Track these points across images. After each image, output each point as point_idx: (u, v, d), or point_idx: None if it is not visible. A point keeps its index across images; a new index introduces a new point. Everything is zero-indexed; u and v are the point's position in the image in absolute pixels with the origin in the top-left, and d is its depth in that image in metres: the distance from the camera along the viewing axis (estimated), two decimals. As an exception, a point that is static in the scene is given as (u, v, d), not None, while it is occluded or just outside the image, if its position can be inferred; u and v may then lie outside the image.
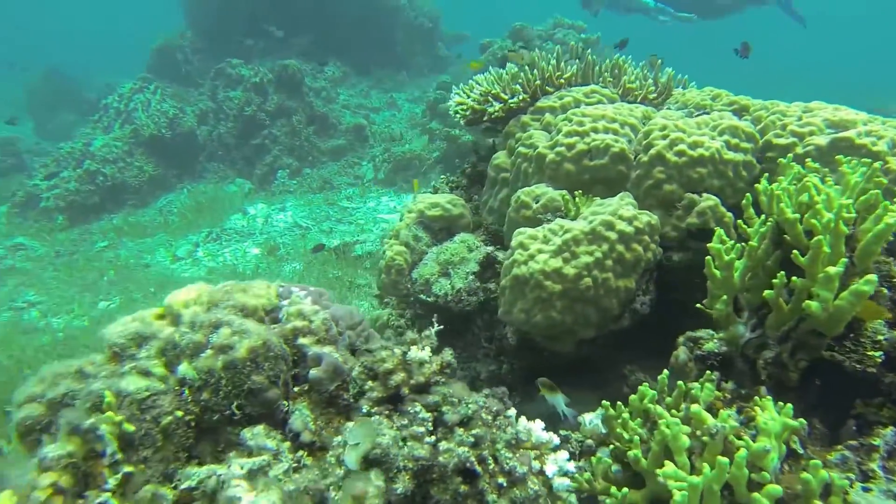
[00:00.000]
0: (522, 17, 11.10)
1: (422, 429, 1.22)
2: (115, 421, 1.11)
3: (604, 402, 1.70)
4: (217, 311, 1.38)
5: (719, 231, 1.78)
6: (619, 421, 1.60)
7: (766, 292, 1.57)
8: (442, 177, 3.52)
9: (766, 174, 2.00)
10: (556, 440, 1.54)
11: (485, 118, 2.97)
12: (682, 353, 2.09)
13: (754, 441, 1.28)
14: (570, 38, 9.76)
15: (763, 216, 1.70)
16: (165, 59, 12.64)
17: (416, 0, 13.94)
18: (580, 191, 2.37)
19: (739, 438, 1.31)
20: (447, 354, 1.38)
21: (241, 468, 1.08)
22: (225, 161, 9.65)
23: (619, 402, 1.68)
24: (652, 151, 2.30)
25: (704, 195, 2.24)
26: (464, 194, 3.04)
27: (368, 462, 1.13)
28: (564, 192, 2.38)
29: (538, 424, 1.52)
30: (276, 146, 9.11)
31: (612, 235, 2.13)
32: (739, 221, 1.84)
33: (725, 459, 1.19)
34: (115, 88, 13.69)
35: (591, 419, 1.89)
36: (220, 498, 1.02)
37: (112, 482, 1.00)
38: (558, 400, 1.84)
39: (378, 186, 8.84)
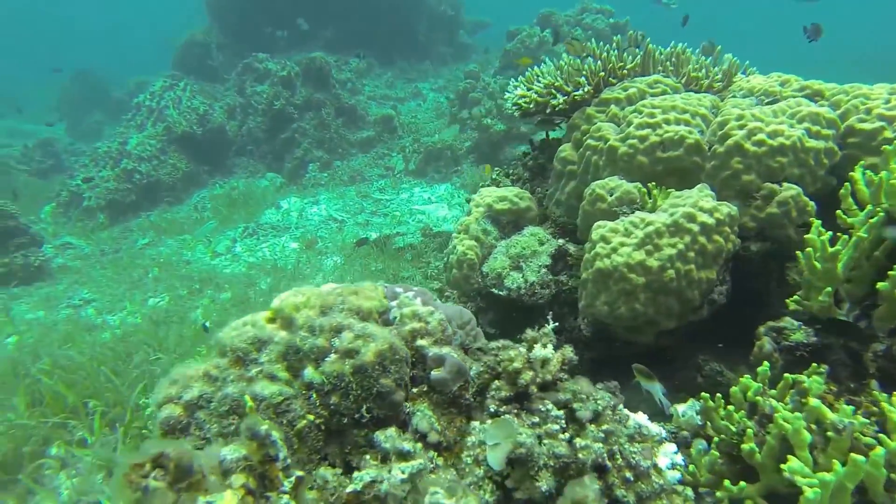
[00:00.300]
0: (547, 2, 10.97)
1: (557, 426, 1.24)
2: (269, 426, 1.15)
3: (703, 393, 1.70)
4: (334, 314, 1.42)
5: (816, 223, 1.76)
6: (721, 413, 1.61)
7: (880, 284, 1.55)
8: (497, 169, 3.52)
9: (862, 162, 1.96)
10: (664, 432, 1.55)
11: (547, 110, 2.95)
12: (766, 343, 2.08)
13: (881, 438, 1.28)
14: (598, 23, 9.65)
15: (870, 206, 1.68)
16: (190, 55, 12.78)
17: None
18: (654, 182, 2.35)
19: (864, 435, 1.31)
20: (567, 351, 1.40)
21: (403, 472, 1.11)
22: (255, 156, 9.75)
23: (717, 394, 1.68)
24: (729, 142, 2.27)
25: (785, 185, 2.21)
26: (527, 187, 3.04)
27: (511, 462, 1.16)
28: (639, 184, 2.37)
29: (645, 417, 1.53)
30: (306, 139, 9.17)
31: (694, 227, 2.12)
32: (839, 212, 1.82)
33: (861, 457, 1.19)
34: (144, 87, 13.88)
35: (684, 410, 1.90)
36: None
37: (287, 485, 1.04)
38: (656, 388, 1.85)
39: (409, 177, 8.85)
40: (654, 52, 3.06)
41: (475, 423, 1.33)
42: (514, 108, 3.25)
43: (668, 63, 3.04)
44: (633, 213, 2.30)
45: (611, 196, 2.34)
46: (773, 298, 2.42)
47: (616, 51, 2.95)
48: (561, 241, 2.63)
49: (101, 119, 14.93)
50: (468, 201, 3.34)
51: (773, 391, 1.60)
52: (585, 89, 2.81)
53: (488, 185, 3.37)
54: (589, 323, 2.40)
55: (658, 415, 2.01)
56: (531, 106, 2.96)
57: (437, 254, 5.91)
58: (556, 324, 1.49)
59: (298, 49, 12.29)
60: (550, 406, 1.28)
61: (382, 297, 1.54)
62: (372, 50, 12.86)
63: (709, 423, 1.68)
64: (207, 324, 4.51)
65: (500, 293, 2.62)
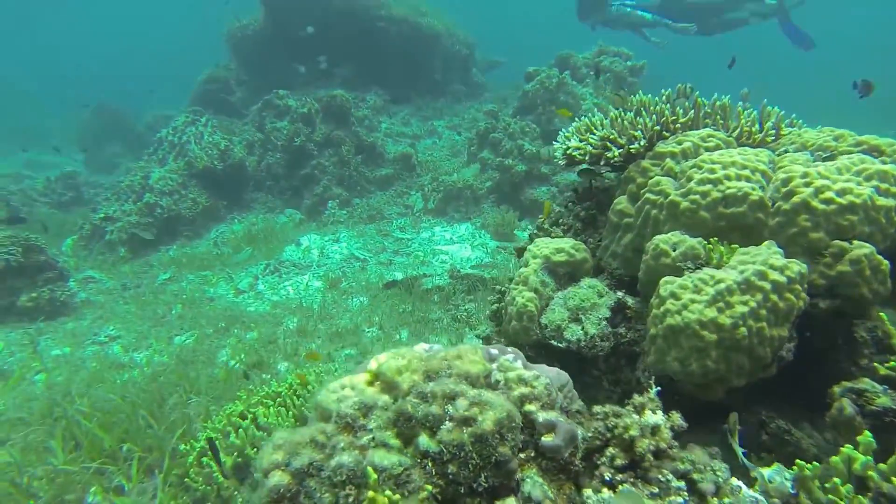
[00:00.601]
0: (558, 42, 11.30)
1: (681, 499, 1.24)
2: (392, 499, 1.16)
3: (798, 461, 1.69)
4: (443, 380, 1.43)
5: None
6: (823, 485, 1.59)
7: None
8: (540, 218, 3.57)
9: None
10: (763, 498, 1.54)
11: (601, 162, 3.02)
12: (847, 406, 2.08)
13: None
14: (616, 66, 9.90)
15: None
16: (211, 90, 13.12)
17: (453, 28, 14.24)
18: (716, 238, 2.39)
19: None
20: (676, 418, 1.41)
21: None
22: (273, 191, 9.88)
23: (814, 463, 1.67)
24: (795, 199, 2.32)
25: (855, 242, 2.25)
26: (581, 238, 3.08)
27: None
28: (702, 239, 2.40)
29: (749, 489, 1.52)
30: (325, 176, 9.31)
31: (766, 285, 2.14)
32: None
33: None
34: (164, 120, 14.20)
35: (771, 475, 1.88)
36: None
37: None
38: (737, 447, 1.84)
39: (429, 216, 8.95)
40: (703, 104, 3.15)
41: (588, 492, 1.33)
42: (563, 157, 3.33)
43: (717, 116, 3.12)
44: (697, 268, 2.33)
45: (674, 251, 2.38)
46: (839, 356, 2.43)
47: (668, 104, 3.03)
48: (620, 294, 2.66)
49: (119, 151, 15.22)
50: (520, 252, 3.38)
51: (882, 465, 1.59)
52: (641, 143, 2.88)
53: (538, 234, 3.42)
54: (651, 376, 2.40)
55: (734, 471, 2.00)
56: (585, 157, 3.03)
57: (465, 296, 5.93)
58: (659, 388, 1.50)
59: (315, 86, 12.59)
60: (670, 476, 1.28)
61: (483, 359, 1.56)
62: (387, 87, 13.18)
63: (803, 493, 1.66)
64: (237, 365, 4.50)
65: (560, 345, 2.62)
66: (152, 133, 15.01)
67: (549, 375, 1.53)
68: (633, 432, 1.34)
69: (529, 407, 1.42)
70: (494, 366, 1.56)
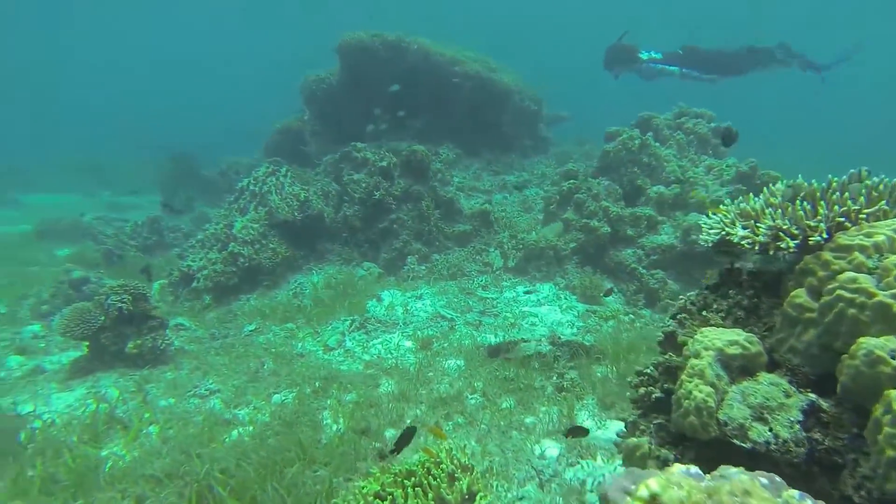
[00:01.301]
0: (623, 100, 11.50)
1: None
2: None
3: None
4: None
5: None
6: None
7: None
8: (687, 304, 3.54)
9: None
10: None
11: (770, 252, 3.01)
12: None
13: None
14: (700, 128, 9.95)
15: None
16: (285, 140, 13.80)
17: (523, 84, 14.69)
18: (928, 343, 2.33)
19: None
20: None
21: None
22: (349, 243, 10.16)
23: None
24: None
25: None
26: (752, 330, 3.04)
27: None
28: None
29: None
30: (404, 231, 9.54)
31: None
32: None
33: None
34: (236, 168, 14.97)
35: None
36: None
37: None
38: None
39: (509, 275, 9.00)
40: (882, 189, 3.12)
41: None
42: (713, 240, 3.34)
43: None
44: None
45: (894, 359, 2.32)
46: None
47: (843, 191, 3.02)
48: (813, 396, 2.59)
49: (191, 195, 16.06)
50: (669, 338, 3.36)
51: None
52: (823, 235, 2.86)
53: (687, 318, 3.39)
54: (868, 493, 2.31)
55: None
56: (755, 248, 3.03)
57: (566, 363, 5.88)
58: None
59: (388, 137, 13.11)
60: None
61: (773, 497, 1.54)
62: (458, 140, 13.61)
63: None
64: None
65: (744, 445, 2.56)
66: (225, 179, 15.86)
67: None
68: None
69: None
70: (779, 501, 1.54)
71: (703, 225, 3.51)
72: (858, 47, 11.02)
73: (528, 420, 4.99)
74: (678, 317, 3.42)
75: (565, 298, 8.15)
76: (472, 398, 5.40)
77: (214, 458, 4.09)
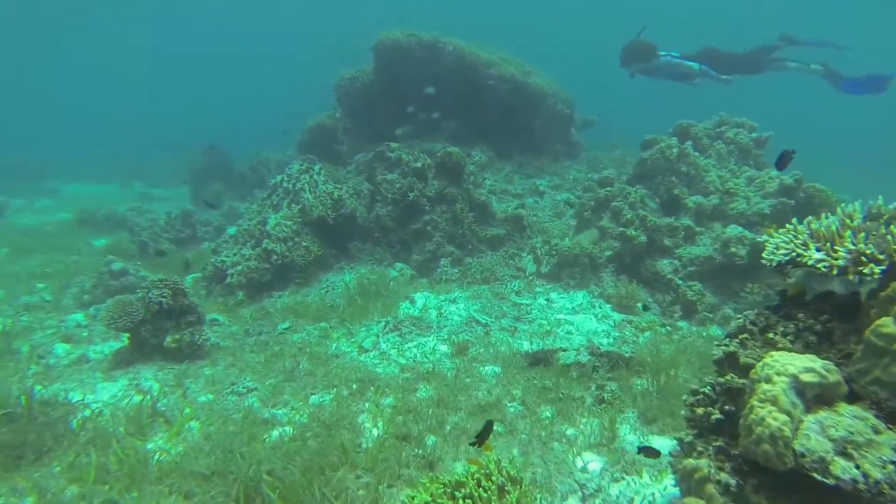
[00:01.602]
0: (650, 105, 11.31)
1: None
2: None
3: None
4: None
5: None
6: None
7: None
8: (747, 324, 3.45)
9: None
10: None
11: (850, 276, 2.92)
12: None
13: None
14: (741, 138, 9.79)
15: None
16: (317, 138, 13.86)
17: (556, 87, 14.58)
18: None
19: None
20: None
21: None
22: (380, 243, 10.17)
23: None
24: None
25: None
26: (827, 357, 2.95)
27: None
28: None
29: None
30: (438, 233, 9.51)
31: None
32: None
33: None
34: (265, 164, 15.10)
35: None
36: None
37: None
38: None
39: (542, 281, 8.93)
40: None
41: None
42: (781, 261, 3.25)
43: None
44: None
45: None
46: None
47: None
48: (901, 431, 2.50)
49: (220, 189, 16.25)
50: (730, 359, 3.27)
51: None
52: (912, 262, 2.77)
53: (750, 340, 3.31)
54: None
55: None
56: (831, 271, 2.94)
57: (605, 374, 5.81)
58: None
59: (422, 138, 13.11)
60: None
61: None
62: (490, 143, 13.55)
63: None
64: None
65: (826, 481, 2.48)
66: (255, 174, 16.01)
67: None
68: None
69: None
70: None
71: (767, 244, 3.42)
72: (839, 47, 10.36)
73: (569, 431, 4.94)
74: (739, 337, 3.33)
75: (600, 307, 8.06)
76: (510, 406, 5.36)
77: (259, 458, 4.10)
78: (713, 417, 3.16)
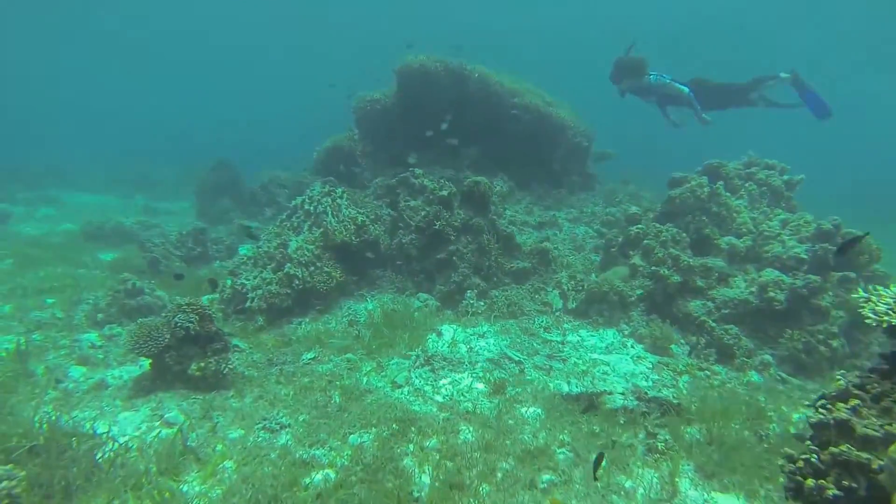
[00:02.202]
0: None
1: None
2: None
3: None
4: None
5: None
6: None
7: None
8: (850, 387, 3.30)
9: None
10: None
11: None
12: None
13: None
14: (773, 180, 9.76)
15: None
16: (333, 158, 13.77)
17: (576, 119, 14.65)
18: None
19: None
20: None
21: None
22: (402, 271, 9.98)
23: None
24: None
25: None
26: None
27: None
28: None
29: None
30: (463, 263, 9.35)
31: None
32: None
33: None
34: (281, 182, 14.93)
35: None
36: None
37: None
38: None
39: (569, 317, 8.77)
40: None
41: None
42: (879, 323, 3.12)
43: None
44: None
45: None
46: None
47: None
48: None
49: (228, 206, 16.05)
50: (839, 427, 3.11)
51: None
52: None
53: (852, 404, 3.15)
54: None
55: None
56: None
57: (654, 420, 5.62)
58: None
59: (442, 164, 13.05)
60: None
61: None
62: (510, 172, 13.52)
63: None
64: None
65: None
66: (266, 192, 15.84)
67: None
68: None
69: None
70: None
71: (876, 303, 3.29)
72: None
73: (627, 483, 4.73)
74: (850, 403, 3.17)
75: (631, 347, 7.89)
76: (560, 452, 5.15)
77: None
78: (829, 492, 2.97)
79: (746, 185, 9.77)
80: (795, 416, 6.08)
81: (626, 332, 8.30)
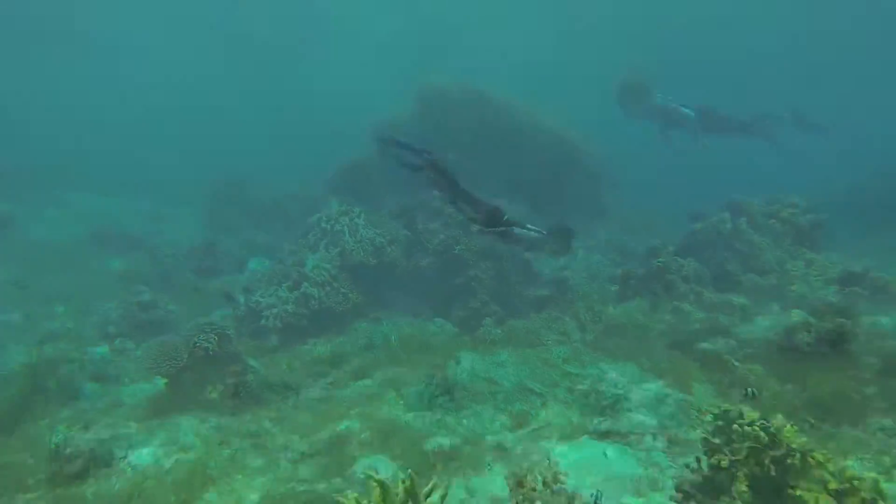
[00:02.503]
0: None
1: None
2: None
3: None
4: None
5: None
6: None
7: None
8: None
9: None
10: None
11: None
12: None
13: None
14: (797, 218, 9.72)
15: None
16: (350, 175, 13.70)
17: (591, 146, 14.69)
18: None
19: None
20: None
21: None
22: (417, 294, 9.87)
23: None
24: None
25: None
26: None
27: None
28: None
29: None
30: (482, 289, 9.24)
31: None
32: None
33: None
34: (291, 199, 14.85)
35: None
36: None
37: None
38: None
39: (588, 349, 8.63)
40: None
41: None
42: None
43: None
44: None
45: None
46: None
47: None
48: None
49: (235, 215, 15.95)
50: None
51: None
52: None
53: None
54: None
55: None
56: None
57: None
58: None
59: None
60: None
61: None
62: (525, 196, 13.45)
63: None
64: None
65: None
66: (278, 207, 15.77)
67: None
68: None
69: None
70: None
71: None
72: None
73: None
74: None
75: (652, 382, 7.76)
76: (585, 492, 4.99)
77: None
78: None
79: (770, 222, 9.71)
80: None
81: (646, 367, 8.16)
